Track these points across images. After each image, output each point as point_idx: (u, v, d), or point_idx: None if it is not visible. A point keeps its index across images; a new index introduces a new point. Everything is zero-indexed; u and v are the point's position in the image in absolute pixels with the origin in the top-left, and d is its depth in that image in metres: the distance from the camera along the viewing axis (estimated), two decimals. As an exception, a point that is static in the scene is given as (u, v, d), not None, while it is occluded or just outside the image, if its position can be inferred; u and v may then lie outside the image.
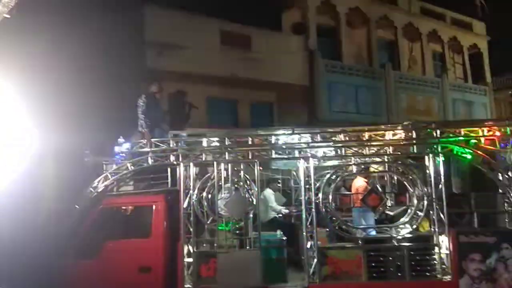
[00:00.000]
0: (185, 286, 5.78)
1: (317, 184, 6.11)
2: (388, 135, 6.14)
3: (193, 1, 11.62)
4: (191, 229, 5.90)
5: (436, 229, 5.82)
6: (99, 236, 5.83)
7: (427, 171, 6.01)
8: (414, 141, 6.06)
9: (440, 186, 5.88)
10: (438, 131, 6.05)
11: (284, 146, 6.21)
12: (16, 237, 5.54)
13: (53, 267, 5.51)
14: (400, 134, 6.15)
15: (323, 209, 5.93)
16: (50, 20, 9.07)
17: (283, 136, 6.26)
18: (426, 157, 6.01)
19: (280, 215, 7.71)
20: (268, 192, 7.73)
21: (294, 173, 7.99)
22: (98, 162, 6.28)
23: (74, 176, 6.52)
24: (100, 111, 9.20)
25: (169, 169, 6.22)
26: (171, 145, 6.23)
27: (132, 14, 11.15)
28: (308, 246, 5.87)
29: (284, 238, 6.29)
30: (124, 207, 6.27)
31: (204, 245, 6.06)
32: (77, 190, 6.16)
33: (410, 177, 6.03)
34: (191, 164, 6.08)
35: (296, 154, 6.15)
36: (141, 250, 5.87)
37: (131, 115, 6.99)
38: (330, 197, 5.99)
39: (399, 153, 6.09)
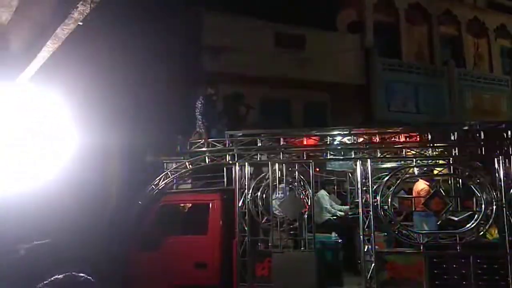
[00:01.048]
0: (241, 283, 5.87)
1: (375, 187, 5.93)
2: (453, 136, 5.81)
3: (249, 4, 11.78)
4: (246, 228, 5.98)
5: (506, 236, 5.41)
6: (160, 231, 6.08)
7: (496, 175, 5.61)
8: (482, 143, 5.68)
9: (511, 190, 5.47)
10: (509, 132, 5.63)
11: (340, 147, 6.11)
12: (87, 229, 5.94)
13: (119, 259, 5.86)
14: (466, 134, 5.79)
15: (382, 213, 5.74)
16: (112, 22, 9.58)
17: (338, 137, 6.16)
18: (496, 160, 5.61)
19: (335, 217, 7.58)
20: (322, 193, 7.63)
21: (350, 175, 7.84)
22: (159, 161, 6.56)
23: (138, 174, 6.87)
24: (161, 113, 9.60)
25: (225, 169, 6.35)
26: (227, 145, 6.36)
27: (191, 18, 11.53)
28: (365, 249, 5.71)
29: (340, 240, 6.17)
30: (182, 205, 6.50)
31: (259, 244, 6.11)
32: (140, 187, 6.48)
33: (478, 180, 5.66)
34: (246, 164, 6.17)
35: (353, 155, 6.01)
36: (198, 246, 6.05)
37: (189, 116, 7.23)
38: (389, 200, 5.79)
39: (465, 155, 5.74)
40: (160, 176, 6.36)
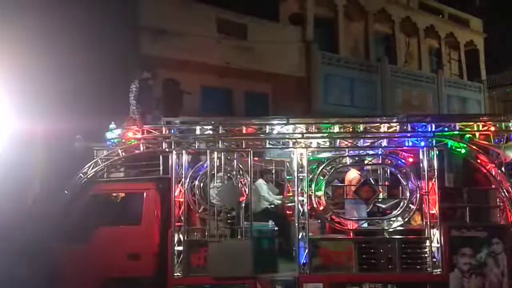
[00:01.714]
0: (175, 274, 5.75)
1: (310, 176, 6.07)
2: (383, 128, 6.10)
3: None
4: (182, 218, 5.84)
5: (428, 223, 5.83)
6: (89, 222, 5.75)
7: (421, 165, 6.00)
8: (409, 134, 6.03)
9: (434, 179, 5.87)
10: (433, 125, 6.03)
11: (278, 136, 6.15)
12: (2, 222, 5.44)
13: (42, 253, 5.45)
14: (395, 127, 6.11)
15: (316, 200, 5.90)
16: (42, 3, 8.88)
17: (277, 126, 6.20)
18: (421, 151, 5.99)
19: (273, 205, 7.67)
20: (260, 183, 7.68)
21: (288, 164, 7.97)
22: (88, 147, 6.16)
23: (64, 161, 6.40)
24: (92, 97, 9.06)
25: (161, 157, 6.13)
26: (163, 132, 6.14)
27: (127, -1, 10.96)
28: (300, 237, 5.85)
29: (276, 228, 6.26)
30: (114, 194, 6.18)
31: (195, 234, 6.01)
32: (67, 175, 6.05)
33: (404, 170, 6.01)
34: (184, 152, 6.01)
35: (290, 144, 6.09)
36: (131, 237, 5.81)
37: (123, 101, 6.86)
38: (323, 188, 5.96)
39: (393, 146, 6.06)
40: (89, 163, 5.98)
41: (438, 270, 5.74)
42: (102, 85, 9.40)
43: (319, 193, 5.97)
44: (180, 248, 5.80)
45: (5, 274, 5.17)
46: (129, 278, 5.71)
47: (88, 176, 5.99)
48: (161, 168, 6.11)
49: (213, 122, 6.22)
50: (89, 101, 8.86)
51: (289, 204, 7.11)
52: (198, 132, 6.13)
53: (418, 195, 5.89)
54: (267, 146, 6.21)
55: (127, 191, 6.13)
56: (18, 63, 7.38)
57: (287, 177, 7.81)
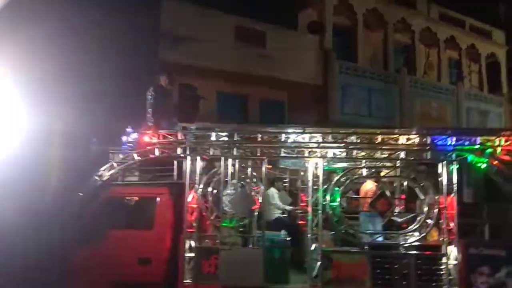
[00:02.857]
0: (185, 281, 5.70)
1: (325, 186, 5.98)
2: (401, 140, 5.98)
3: (210, -5, 11.56)
4: (194, 224, 5.81)
5: (446, 239, 5.66)
6: (102, 224, 5.77)
7: (440, 179, 5.85)
8: (428, 147, 5.89)
9: (452, 194, 5.71)
10: (454, 138, 5.88)
11: (293, 145, 6.10)
12: (18, 222, 5.51)
13: (55, 253, 5.49)
14: (414, 139, 5.98)
15: (330, 212, 5.80)
16: (66, 7, 9.05)
17: (293, 135, 6.14)
18: (440, 164, 5.84)
19: (285, 214, 7.59)
20: (272, 191, 7.61)
21: (302, 173, 7.89)
22: (104, 150, 6.22)
23: (80, 163, 6.47)
24: (110, 100, 9.16)
25: (175, 162, 6.14)
26: (179, 138, 6.15)
27: (149, 5, 11.09)
28: (312, 248, 5.75)
29: (289, 238, 6.18)
30: (128, 197, 6.20)
31: (207, 240, 5.97)
32: (82, 177, 6.11)
33: (422, 183, 5.87)
34: (198, 158, 6.00)
35: (306, 154, 6.02)
36: (143, 241, 5.81)
37: (141, 105, 6.92)
38: (338, 199, 5.86)
39: (411, 158, 5.93)
40: (105, 166, 6.02)
41: (455, 288, 5.56)
42: (121, 89, 9.50)
43: (334, 204, 5.87)
44: (191, 254, 5.76)
45: (18, 273, 5.21)
46: (139, 282, 5.70)
47: (103, 179, 6.02)
48: (175, 173, 6.12)
49: (228, 129, 6.20)
50: (107, 104, 8.96)
51: (302, 214, 7.03)
52: (213, 138, 6.12)
53: (436, 209, 5.73)
54: (282, 154, 6.15)
55: (140, 195, 6.15)
56: (39, 65, 7.53)
57: (301, 186, 7.73)
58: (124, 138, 6.35)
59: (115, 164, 6.09)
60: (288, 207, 7.54)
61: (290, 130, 6.19)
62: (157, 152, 6.11)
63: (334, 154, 6.03)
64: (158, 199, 5.98)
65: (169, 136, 6.19)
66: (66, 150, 7.70)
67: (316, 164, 5.92)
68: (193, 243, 5.78)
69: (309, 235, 5.81)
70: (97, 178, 6.01)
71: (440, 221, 5.72)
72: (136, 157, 6.12)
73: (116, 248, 5.69)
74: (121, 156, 6.16)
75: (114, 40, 10.11)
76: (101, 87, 9.37)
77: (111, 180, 6.07)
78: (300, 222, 7.27)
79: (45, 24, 7.98)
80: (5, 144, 4.96)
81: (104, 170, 6.04)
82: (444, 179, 5.77)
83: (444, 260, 5.64)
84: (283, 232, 6.37)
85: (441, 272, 5.63)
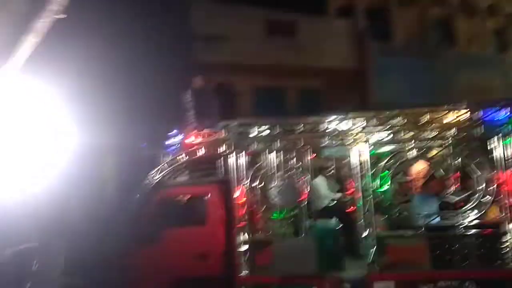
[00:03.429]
0: (241, 273, 5.83)
1: (373, 170, 5.87)
2: (450, 117, 5.74)
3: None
4: (245, 217, 5.92)
5: (506, 216, 5.40)
6: (158, 225, 6.01)
7: (494, 154, 5.57)
8: (480, 122, 5.62)
9: (510, 169, 5.43)
10: (507, 110, 5.57)
11: (336, 132, 6.03)
12: (81, 225, 5.85)
13: (116, 254, 5.79)
14: (464, 114, 5.73)
15: (382, 196, 5.70)
16: (98, 14, 9.37)
17: (335, 122, 6.07)
18: (493, 139, 5.56)
19: (334, 201, 7.53)
20: (320, 179, 7.57)
21: (348, 160, 7.77)
22: (154, 154, 6.46)
23: (132, 168, 6.76)
24: (153, 106, 9.46)
25: (221, 159, 6.26)
26: (222, 135, 6.26)
27: (180, 8, 11.33)
28: (366, 233, 5.68)
29: (340, 225, 6.14)
30: (180, 197, 6.42)
31: (259, 233, 6.06)
32: (136, 182, 6.38)
33: (477, 159, 5.62)
34: (243, 153, 6.09)
35: (351, 140, 5.94)
36: (198, 238, 5.99)
37: (183, 107, 7.11)
38: (388, 183, 5.74)
39: (463, 135, 5.68)
40: (156, 169, 6.26)
41: (521, 265, 5.30)
42: (161, 93, 9.79)
43: (384, 189, 5.76)
44: (245, 247, 5.88)
45: (81, 275, 5.50)
46: (197, 278, 5.89)
47: (156, 181, 6.27)
48: (222, 170, 6.25)
49: (269, 122, 6.24)
50: (149, 110, 9.26)
51: (352, 201, 6.94)
52: (255, 133, 6.18)
53: (493, 186, 5.48)
54: (326, 143, 6.10)
55: (191, 194, 6.33)
56: (79, 80, 7.86)
57: (348, 173, 7.62)
58: (170, 141, 6.57)
59: (165, 166, 6.31)
60: (337, 195, 7.47)
61: (332, 118, 6.12)
62: (202, 151, 6.26)
63: (379, 138, 5.89)
64: (208, 196, 6.14)
65: (213, 135, 6.32)
66: (118, 158, 8.06)
67: (362, 149, 5.82)
68: (246, 237, 5.89)
69: (361, 221, 5.73)
70: (150, 181, 6.26)
71: (499, 198, 5.47)
72: (184, 157, 6.30)
73: (173, 246, 5.91)
74: (170, 158, 6.37)
75: (150, 46, 10.41)
76: (141, 94, 9.71)
77: (163, 181, 6.30)
78: (350, 209, 7.18)
79: (84, 36, 8.33)
80: (57, 164, 5.27)
81: (155, 173, 6.27)
82: (499, 154, 5.50)
83: (507, 237, 5.39)
84: (334, 219, 6.35)
85: (504, 251, 5.39)
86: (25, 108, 4.90)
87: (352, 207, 6.90)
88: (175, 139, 6.56)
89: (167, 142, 6.65)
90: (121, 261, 5.81)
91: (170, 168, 6.32)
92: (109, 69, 9.22)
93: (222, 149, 6.20)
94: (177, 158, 6.34)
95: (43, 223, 5.56)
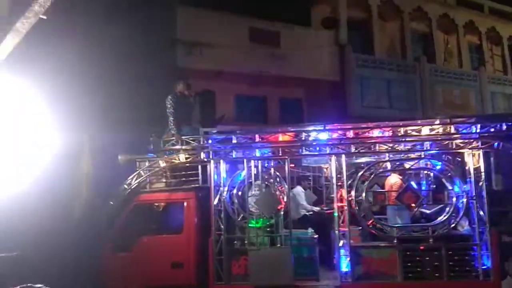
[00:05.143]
0: (217, 282, 5.80)
1: (349, 182, 5.97)
2: (425, 130, 5.91)
3: (222, -1, 11.65)
4: (222, 226, 5.91)
5: (476, 228, 5.56)
6: (133, 231, 5.94)
7: (467, 167, 5.75)
8: (453, 136, 5.80)
9: (481, 183, 5.61)
10: (479, 126, 5.77)
11: (315, 143, 6.11)
12: (53, 233, 5.72)
13: (90, 260, 5.68)
14: (438, 129, 5.90)
15: (356, 207, 5.79)
16: (80, 19, 9.26)
17: (314, 133, 6.16)
18: (466, 153, 5.74)
19: (311, 213, 7.60)
20: (298, 190, 7.63)
21: (325, 170, 7.87)
22: (131, 160, 6.38)
23: (108, 173, 6.65)
24: (132, 110, 9.35)
25: (200, 167, 6.25)
26: (201, 143, 6.26)
27: (164, 13, 11.28)
28: (341, 244, 5.75)
29: (316, 236, 6.20)
30: (156, 204, 6.35)
31: (235, 242, 6.05)
32: (112, 187, 6.29)
33: (449, 174, 5.78)
34: (222, 161, 6.09)
35: (328, 150, 6.03)
36: (173, 246, 5.94)
37: (162, 113, 7.05)
38: (364, 194, 5.84)
39: (436, 149, 5.85)
40: (133, 175, 6.19)
41: (489, 277, 5.45)
42: (142, 97, 9.70)
43: (359, 199, 5.85)
44: (221, 256, 5.86)
45: (53, 280, 5.36)
46: (171, 286, 5.83)
47: (132, 187, 6.19)
48: (200, 177, 6.23)
49: (249, 131, 6.27)
50: (129, 114, 9.15)
51: (329, 211, 7.02)
52: (234, 141, 6.20)
53: (464, 199, 5.64)
54: (304, 153, 6.17)
55: (168, 200, 6.28)
56: (61, 78, 7.72)
57: (325, 183, 7.72)
58: (148, 147, 6.50)
59: (142, 172, 6.25)
60: (316, 208, 7.55)
61: (310, 128, 6.21)
62: (181, 158, 6.23)
63: (356, 149, 6.00)
64: (185, 203, 6.10)
65: (192, 142, 6.30)
66: (94, 162, 7.92)
67: (339, 160, 5.92)
68: (222, 245, 5.87)
69: (336, 232, 5.80)
70: (126, 186, 6.18)
71: (470, 211, 5.63)
72: (161, 163, 6.26)
73: (147, 253, 5.85)
74: (147, 164, 6.31)
75: (132, 50, 10.32)
76: (121, 97, 9.58)
77: (139, 187, 6.23)
78: (326, 219, 7.25)
79: (67, 38, 8.20)
80: (36, 161, 5.14)
81: (131, 178, 6.20)
82: (471, 167, 5.68)
83: (476, 249, 5.55)
84: (310, 229, 6.40)
85: (474, 262, 5.54)
86: (7, 106, 4.78)
87: (328, 217, 6.99)
88: (153, 145, 6.48)
89: (146, 147, 6.57)
90: (94, 267, 5.70)
91: (148, 174, 6.26)
92: (88, 69, 9.09)
93: (201, 156, 6.19)
94: (155, 164, 6.29)
95: (19, 229, 5.43)
